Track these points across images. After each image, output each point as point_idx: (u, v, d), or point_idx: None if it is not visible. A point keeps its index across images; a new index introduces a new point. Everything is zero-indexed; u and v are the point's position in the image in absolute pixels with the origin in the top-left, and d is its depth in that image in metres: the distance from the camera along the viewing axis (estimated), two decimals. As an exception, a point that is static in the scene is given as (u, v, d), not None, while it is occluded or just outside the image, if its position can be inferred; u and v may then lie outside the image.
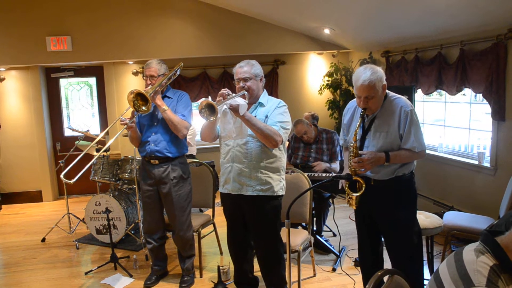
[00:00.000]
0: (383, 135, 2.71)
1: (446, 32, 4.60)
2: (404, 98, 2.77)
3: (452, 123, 5.32)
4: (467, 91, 4.85)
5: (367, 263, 3.06)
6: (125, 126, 3.28)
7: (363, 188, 2.73)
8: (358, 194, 2.76)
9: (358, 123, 2.75)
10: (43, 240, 4.98)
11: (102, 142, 5.25)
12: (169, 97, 3.49)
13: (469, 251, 1.42)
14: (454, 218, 3.76)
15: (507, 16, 3.80)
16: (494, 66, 4.06)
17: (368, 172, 2.78)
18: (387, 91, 2.77)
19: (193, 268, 3.78)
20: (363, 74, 2.62)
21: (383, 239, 3.00)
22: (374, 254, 3.02)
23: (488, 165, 4.43)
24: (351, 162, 2.77)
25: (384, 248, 3.00)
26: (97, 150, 4.94)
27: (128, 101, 3.15)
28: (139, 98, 3.17)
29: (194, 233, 3.82)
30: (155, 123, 3.44)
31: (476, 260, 1.37)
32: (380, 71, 2.65)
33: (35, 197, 6.86)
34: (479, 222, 3.63)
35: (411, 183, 2.83)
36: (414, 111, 2.70)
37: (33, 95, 6.66)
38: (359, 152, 2.75)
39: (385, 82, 2.67)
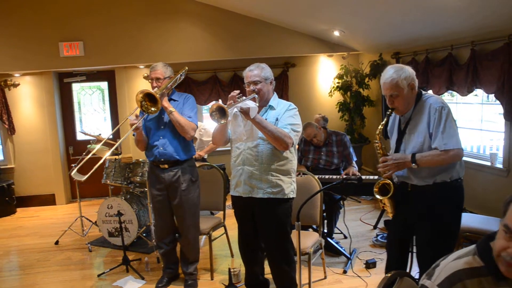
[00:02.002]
0: (415, 135, 2.62)
1: (456, 32, 4.57)
2: (436, 96, 2.66)
3: (464, 124, 5.27)
4: (479, 92, 4.81)
5: (392, 269, 2.96)
6: (133, 126, 3.28)
7: (392, 190, 2.65)
8: (386, 196, 2.69)
9: (383, 122, 2.71)
10: (57, 242, 5.05)
11: (113, 145, 5.31)
12: (175, 100, 3.51)
13: (459, 251, 1.43)
14: (467, 220, 3.72)
15: (518, 16, 3.77)
16: (506, 66, 4.02)
17: (404, 174, 2.68)
18: (423, 91, 2.70)
19: (197, 271, 3.80)
20: (387, 72, 2.60)
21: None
22: (401, 261, 2.89)
23: (500, 166, 4.39)
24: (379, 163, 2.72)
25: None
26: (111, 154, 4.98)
27: (136, 101, 3.16)
28: (147, 99, 3.18)
29: (206, 236, 3.84)
30: (162, 127, 3.46)
31: (450, 261, 1.38)
32: (406, 70, 2.59)
33: (48, 200, 6.95)
34: (491, 224, 3.60)
35: (454, 192, 2.61)
36: (446, 107, 2.54)
37: (47, 100, 6.76)
38: (388, 154, 2.70)
39: (413, 82, 2.59)
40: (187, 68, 3.55)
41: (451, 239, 2.68)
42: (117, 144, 3.55)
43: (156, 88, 3.31)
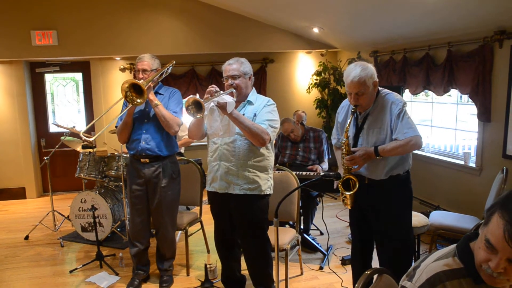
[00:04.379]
0: (377, 131, 2.71)
1: (434, 33, 4.64)
2: (395, 93, 2.77)
3: (438, 124, 5.37)
4: (453, 92, 4.91)
5: (357, 262, 3.06)
6: (127, 108, 3.16)
7: (357, 186, 2.73)
8: (351, 192, 2.76)
9: (349, 120, 2.74)
10: (27, 237, 4.89)
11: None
12: (161, 94, 3.42)
13: (439, 252, 1.44)
14: (440, 217, 3.80)
15: (493, 19, 3.85)
16: (481, 67, 4.11)
17: (363, 170, 2.77)
18: (380, 88, 2.77)
19: (172, 267, 3.74)
20: (353, 70, 2.63)
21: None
22: (365, 254, 3.02)
23: (473, 165, 4.49)
24: (344, 160, 2.77)
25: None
26: (83, 147, 4.87)
27: (121, 91, 3.03)
28: (133, 89, 3.07)
29: (182, 231, 3.79)
30: (146, 120, 3.37)
31: (430, 263, 1.39)
32: (370, 68, 2.66)
33: (18, 194, 6.74)
34: (464, 221, 3.68)
35: (406, 183, 2.81)
36: (405, 104, 2.70)
37: (17, 90, 6.53)
38: (352, 149, 2.75)
39: (376, 79, 2.68)
40: (174, 62, 3.45)
41: (409, 229, 2.88)
42: (96, 136, 3.45)
43: (142, 80, 3.22)
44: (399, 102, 2.67)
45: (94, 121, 3.55)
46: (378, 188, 2.76)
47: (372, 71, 2.65)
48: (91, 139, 3.44)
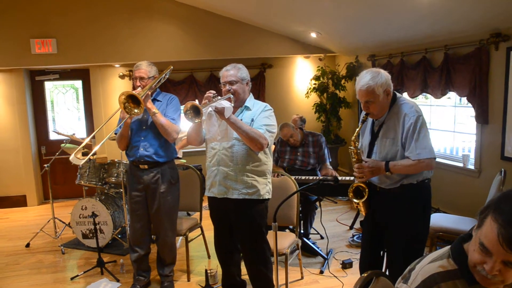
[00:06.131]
0: (389, 141, 2.62)
1: (430, 36, 4.67)
2: (411, 103, 2.64)
3: (437, 126, 5.39)
4: (452, 95, 4.93)
5: (365, 267, 2.97)
6: (124, 119, 3.19)
7: (366, 194, 2.69)
8: (361, 200, 2.72)
9: (358, 129, 2.70)
10: (28, 245, 4.90)
11: (88, 146, 5.20)
12: (158, 100, 3.44)
13: (433, 254, 1.45)
14: (440, 220, 3.80)
15: (489, 22, 3.88)
16: (477, 70, 4.13)
17: (374, 178, 2.70)
18: (399, 94, 2.69)
19: (173, 273, 3.74)
20: (362, 78, 2.57)
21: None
22: (373, 260, 2.94)
23: (472, 167, 4.50)
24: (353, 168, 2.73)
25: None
26: (84, 154, 4.88)
27: (119, 103, 3.06)
28: (130, 100, 3.09)
29: (182, 237, 3.79)
30: (144, 127, 3.38)
31: (425, 264, 1.40)
32: (382, 75, 2.56)
33: (19, 201, 6.75)
34: (464, 223, 3.68)
35: (420, 192, 2.67)
36: (421, 116, 2.54)
37: (17, 98, 6.56)
38: (363, 159, 2.71)
39: (389, 87, 2.57)
40: (172, 67, 3.44)
41: (420, 242, 2.72)
42: (94, 150, 3.47)
43: (140, 88, 3.24)
44: (412, 115, 2.52)
45: (84, 143, 3.57)
46: (388, 196, 2.67)
47: (383, 79, 2.55)
48: (80, 162, 3.48)
